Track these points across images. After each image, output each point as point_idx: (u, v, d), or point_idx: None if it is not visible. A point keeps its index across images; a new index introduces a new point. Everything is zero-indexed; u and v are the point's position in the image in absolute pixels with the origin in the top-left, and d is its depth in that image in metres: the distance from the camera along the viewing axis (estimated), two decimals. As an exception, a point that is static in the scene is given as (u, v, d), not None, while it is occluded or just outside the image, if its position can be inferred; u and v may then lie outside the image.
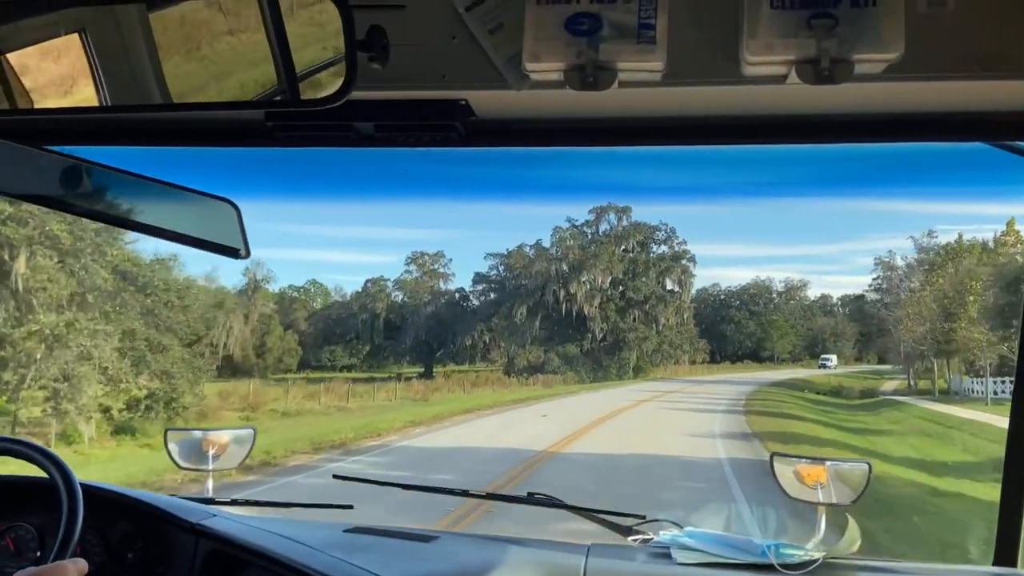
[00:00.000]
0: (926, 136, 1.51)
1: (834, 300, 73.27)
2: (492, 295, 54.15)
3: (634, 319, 51.51)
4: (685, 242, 53.95)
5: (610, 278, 51.60)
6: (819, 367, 61.10)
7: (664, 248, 54.33)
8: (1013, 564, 1.86)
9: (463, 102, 1.42)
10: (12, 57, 1.30)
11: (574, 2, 1.29)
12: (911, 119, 1.46)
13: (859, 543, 1.90)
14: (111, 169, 1.67)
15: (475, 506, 9.15)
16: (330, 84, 1.14)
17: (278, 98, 1.20)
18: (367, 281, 53.90)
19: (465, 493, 2.28)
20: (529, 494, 2.16)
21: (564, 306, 50.58)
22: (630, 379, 48.19)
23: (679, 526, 2.01)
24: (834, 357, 62.29)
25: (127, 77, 1.26)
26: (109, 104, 1.26)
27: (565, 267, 51.39)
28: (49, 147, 1.68)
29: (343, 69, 1.13)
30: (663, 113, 1.48)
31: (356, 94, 1.17)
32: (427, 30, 1.36)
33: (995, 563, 1.89)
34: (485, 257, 54.15)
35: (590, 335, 50.74)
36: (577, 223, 52.15)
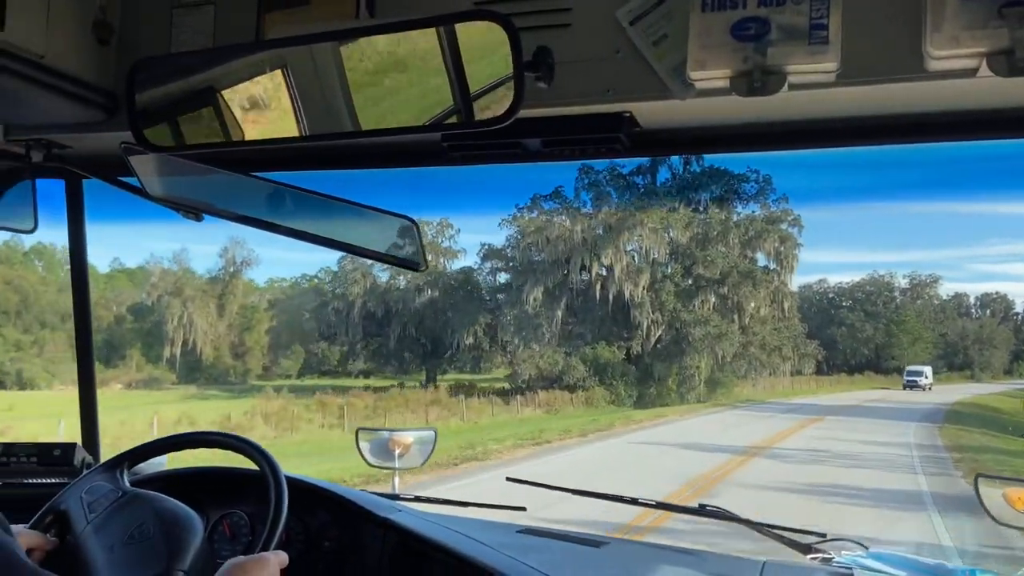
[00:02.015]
0: None
1: (972, 300, 62.58)
2: (502, 275, 39.10)
3: (705, 306, 34.28)
4: (786, 199, 35.04)
5: (667, 246, 34.38)
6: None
7: (755, 208, 35.84)
8: None
9: (627, 114, 1.44)
10: (225, 94, 1.47)
11: (740, 7, 1.28)
12: None
13: None
14: (306, 192, 1.84)
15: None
16: (500, 104, 1.21)
17: (452, 120, 1.28)
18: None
19: (635, 501, 2.27)
20: (701, 505, 2.12)
21: (596, 287, 34.61)
22: (700, 401, 32.72)
23: (864, 547, 1.90)
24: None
25: (322, 108, 1.39)
26: (308, 134, 1.39)
27: (600, 230, 34.74)
28: (255, 174, 1.88)
29: (511, 89, 1.18)
30: (836, 114, 1.43)
31: (523, 112, 1.23)
32: (592, 46, 1.40)
33: None
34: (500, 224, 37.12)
35: (636, 330, 34.04)
36: (624, 170, 34.69)
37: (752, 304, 35.22)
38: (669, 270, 34.99)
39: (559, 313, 35.04)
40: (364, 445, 2.49)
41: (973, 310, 62.37)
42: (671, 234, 34.91)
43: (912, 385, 45.42)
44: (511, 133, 1.44)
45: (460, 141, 1.54)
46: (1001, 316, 61.01)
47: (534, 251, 35.74)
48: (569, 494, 2.29)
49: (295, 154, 1.87)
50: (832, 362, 54.54)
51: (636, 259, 35.10)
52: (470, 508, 2.28)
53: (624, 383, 32.70)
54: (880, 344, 55.62)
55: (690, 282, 35.13)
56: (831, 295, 60.10)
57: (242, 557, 1.38)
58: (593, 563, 1.79)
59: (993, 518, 1.92)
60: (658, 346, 34.22)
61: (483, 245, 39.40)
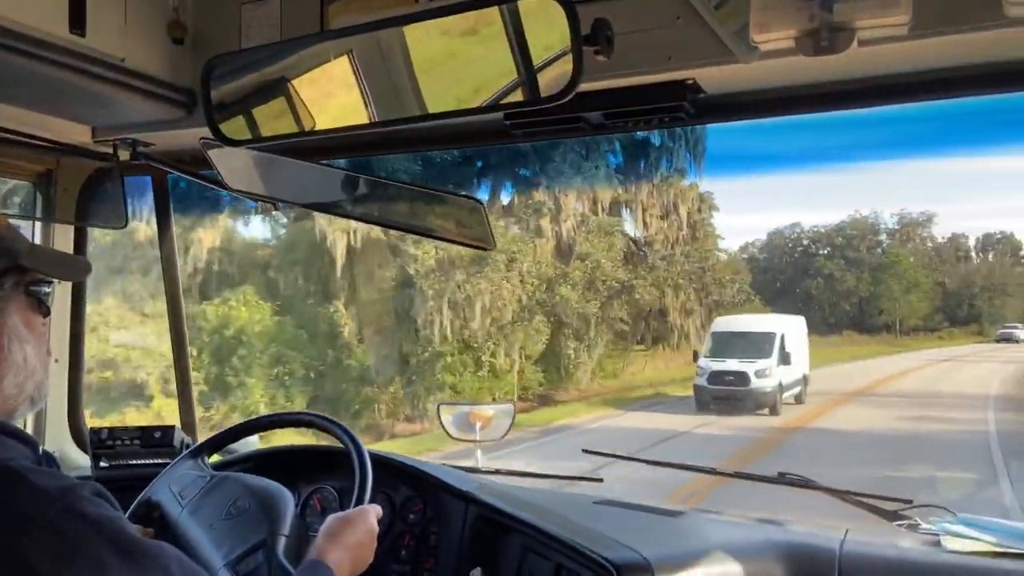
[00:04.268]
0: None
1: (971, 243, 50.26)
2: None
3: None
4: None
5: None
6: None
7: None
8: None
9: (690, 81, 1.43)
10: (295, 84, 1.51)
11: None
12: None
13: None
14: (374, 177, 1.89)
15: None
16: (560, 80, 1.21)
17: (514, 98, 1.30)
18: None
19: (713, 471, 2.27)
20: (780, 474, 2.10)
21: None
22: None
23: (952, 512, 1.86)
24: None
25: (389, 93, 1.42)
26: (376, 120, 1.43)
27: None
28: (322, 161, 1.94)
29: (571, 64, 1.19)
30: (909, 68, 1.39)
31: (584, 86, 1.23)
32: (651, 14, 1.39)
33: None
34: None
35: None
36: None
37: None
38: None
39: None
40: (446, 419, 2.55)
41: (974, 253, 51.70)
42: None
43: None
44: (573, 108, 1.44)
45: (523, 119, 1.55)
46: (1008, 258, 51.00)
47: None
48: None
49: (365, 140, 1.92)
50: (809, 321, 45.84)
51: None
52: (548, 479, 2.32)
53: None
54: (864, 297, 46.01)
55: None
56: (806, 241, 50.24)
57: (342, 512, 1.46)
58: (671, 533, 1.80)
59: None
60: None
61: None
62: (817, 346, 39.51)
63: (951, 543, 1.68)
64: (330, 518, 1.45)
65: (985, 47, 1.29)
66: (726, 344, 20.86)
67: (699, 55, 1.37)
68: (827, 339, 41.31)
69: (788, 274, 48.01)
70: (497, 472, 2.32)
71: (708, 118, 1.54)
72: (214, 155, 1.93)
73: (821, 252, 48.52)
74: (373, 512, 1.48)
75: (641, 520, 1.90)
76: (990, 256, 50.54)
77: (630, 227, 26.43)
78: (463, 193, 1.78)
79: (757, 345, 20.02)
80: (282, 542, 1.47)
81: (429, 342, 20.65)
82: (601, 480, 2.28)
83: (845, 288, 45.99)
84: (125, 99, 1.75)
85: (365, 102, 1.44)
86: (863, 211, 47.64)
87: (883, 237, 48.58)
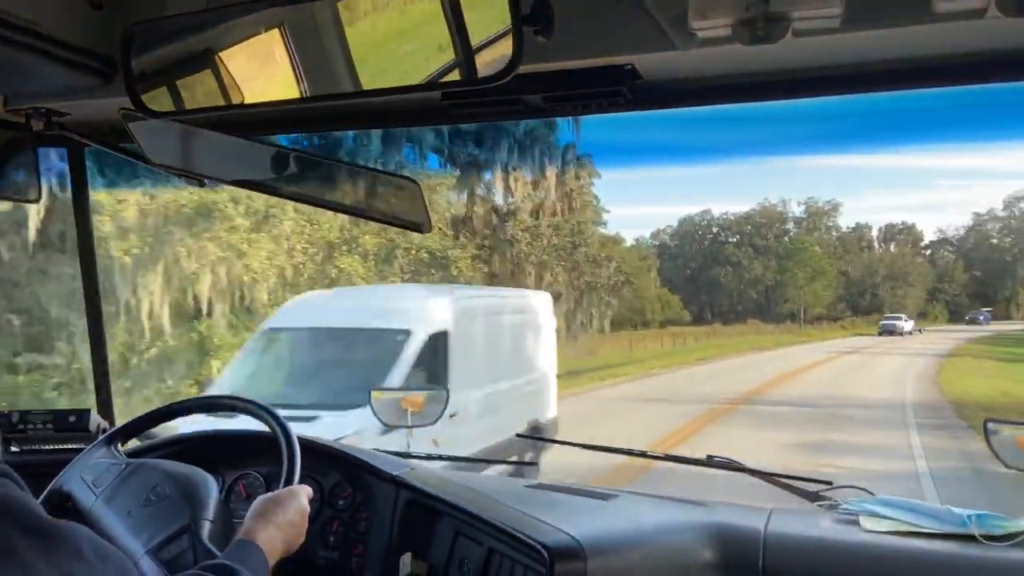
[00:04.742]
0: None
1: (875, 232, 51.94)
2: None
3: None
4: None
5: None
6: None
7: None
8: None
9: (629, 66, 1.42)
10: (223, 56, 1.45)
11: None
12: None
13: None
14: (307, 154, 1.84)
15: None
16: (499, 61, 1.19)
17: (452, 78, 1.27)
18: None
19: (644, 454, 2.31)
20: (708, 456, 2.15)
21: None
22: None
23: (871, 493, 1.93)
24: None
25: (321, 68, 1.38)
26: (308, 95, 1.38)
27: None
28: (255, 136, 1.87)
29: (510, 45, 1.17)
30: (842, 61, 1.41)
31: (525, 67, 1.21)
32: None
33: None
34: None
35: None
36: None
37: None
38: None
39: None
40: (377, 405, 2.52)
41: (876, 244, 54.12)
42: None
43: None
44: (512, 90, 1.42)
45: (461, 99, 1.53)
46: (909, 248, 53.27)
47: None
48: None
49: (295, 116, 1.86)
50: (716, 309, 45.90)
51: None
52: (481, 464, 2.32)
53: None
54: (771, 285, 46.25)
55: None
56: (716, 228, 50.76)
57: (271, 492, 1.43)
58: (603, 515, 1.82)
59: (1002, 460, 1.94)
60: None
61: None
62: (720, 336, 40.25)
63: (869, 523, 1.74)
64: (259, 499, 1.41)
65: (915, 42, 1.32)
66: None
67: (638, 40, 1.36)
68: (732, 328, 42.27)
69: (698, 262, 48.46)
70: (429, 457, 2.31)
71: (646, 104, 1.54)
72: (135, 127, 1.85)
73: (730, 240, 49.41)
74: (304, 492, 1.45)
75: (574, 503, 1.91)
76: (892, 247, 52.30)
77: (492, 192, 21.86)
78: (398, 172, 1.74)
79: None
80: (207, 526, 1.43)
81: (159, 332, 14.10)
82: (535, 464, 2.30)
83: (753, 276, 46.71)
84: (39, 66, 1.65)
85: (296, 76, 1.40)
86: (772, 199, 48.85)
87: (790, 226, 49.57)
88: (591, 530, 1.63)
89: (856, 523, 1.76)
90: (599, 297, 26.96)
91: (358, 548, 1.90)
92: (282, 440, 1.64)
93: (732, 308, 45.74)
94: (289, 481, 1.56)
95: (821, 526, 1.79)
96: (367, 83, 1.33)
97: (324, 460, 1.98)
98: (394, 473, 1.93)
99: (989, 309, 48.66)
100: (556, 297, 20.61)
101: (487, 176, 20.90)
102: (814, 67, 1.43)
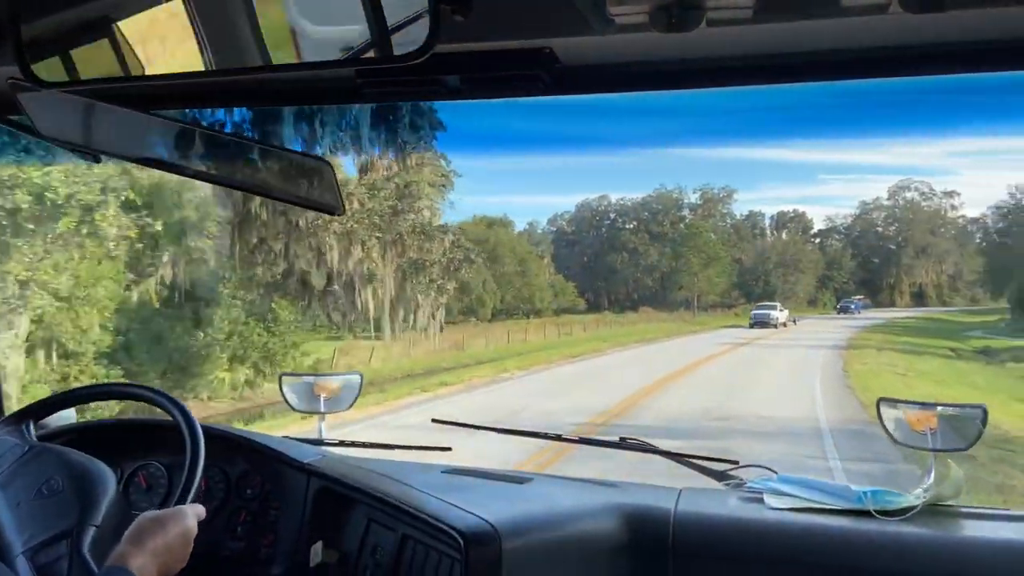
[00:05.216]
0: None
1: (767, 220, 53.32)
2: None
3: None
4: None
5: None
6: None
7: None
8: None
9: (547, 50, 1.41)
10: (122, 25, 1.37)
11: None
12: None
13: (963, 489, 1.85)
14: (212, 131, 1.76)
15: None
16: (416, 39, 1.17)
17: (367, 55, 1.23)
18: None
19: (559, 437, 2.33)
20: (621, 439, 2.19)
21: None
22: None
23: (774, 471, 2.00)
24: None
25: (227, 40, 1.32)
26: (213, 68, 1.32)
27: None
28: (155, 111, 1.78)
29: (427, 23, 1.14)
30: (755, 51, 1.44)
31: (442, 47, 1.19)
32: None
33: None
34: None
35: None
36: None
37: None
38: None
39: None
40: (288, 391, 2.45)
41: (769, 231, 54.46)
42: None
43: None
44: (429, 70, 1.40)
45: (375, 78, 1.49)
46: (800, 235, 53.60)
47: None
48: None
49: (199, 90, 1.78)
50: (613, 296, 45.42)
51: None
52: (396, 451, 2.29)
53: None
54: (666, 272, 45.76)
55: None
56: (613, 214, 50.49)
57: (156, 511, 1.36)
58: (518, 499, 1.82)
59: (893, 439, 2.05)
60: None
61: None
62: (612, 325, 38.43)
63: (773, 500, 1.81)
64: (140, 517, 1.34)
65: (823, 35, 1.36)
66: None
67: (556, 24, 1.36)
68: (625, 316, 41.64)
69: (595, 248, 47.79)
70: (341, 443, 2.27)
71: (564, 89, 1.53)
72: (24, 99, 1.72)
73: (627, 226, 49.08)
74: (192, 512, 1.37)
75: (489, 487, 1.91)
76: (783, 234, 53.12)
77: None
78: (309, 152, 1.69)
79: None
80: (90, 534, 1.35)
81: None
82: (449, 449, 2.29)
83: (649, 262, 46.43)
84: None
85: (201, 48, 1.33)
86: (668, 186, 49.25)
87: (686, 212, 49.71)
88: (505, 514, 1.64)
89: (760, 501, 1.82)
90: (428, 279, 20.99)
91: (267, 538, 1.85)
92: (184, 428, 1.58)
93: (628, 296, 45.27)
94: (192, 472, 1.50)
95: (728, 504, 1.85)
96: (276, 57, 1.28)
97: (231, 448, 1.92)
98: (305, 461, 1.89)
99: (861, 297, 48.91)
100: (369, 278, 18.36)
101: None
102: (728, 57, 1.46)
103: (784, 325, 37.97)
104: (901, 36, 1.36)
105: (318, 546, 1.78)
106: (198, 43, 1.33)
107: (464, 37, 1.37)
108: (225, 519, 1.85)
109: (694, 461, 2.06)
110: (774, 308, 39.88)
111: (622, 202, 50.04)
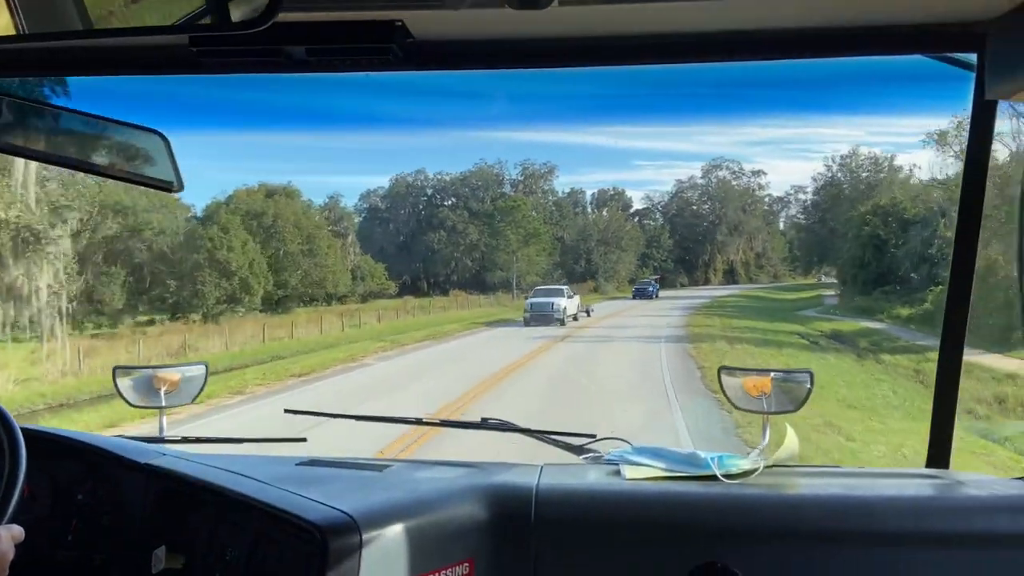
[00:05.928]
0: (866, 50, 1.52)
1: (588, 198, 51.09)
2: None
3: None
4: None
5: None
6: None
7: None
8: (945, 465, 1.97)
9: (399, 23, 1.37)
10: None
11: None
12: (851, 32, 1.47)
13: (798, 450, 1.99)
14: (31, 102, 1.59)
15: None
16: (256, 6, 1.09)
17: (203, 21, 1.15)
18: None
19: (419, 421, 2.30)
20: (483, 419, 2.19)
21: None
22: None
23: (629, 443, 2.07)
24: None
25: (44, 2, 1.19)
26: (26, 32, 1.18)
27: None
28: None
29: (270, -12, 1.07)
30: (606, 32, 1.46)
31: (287, 16, 1.12)
32: None
33: (928, 464, 1.99)
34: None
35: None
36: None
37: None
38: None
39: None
40: (123, 384, 2.27)
41: (590, 208, 52.24)
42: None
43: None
44: (272, 39, 1.32)
45: (213, 47, 1.39)
46: (620, 212, 52.18)
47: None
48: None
49: (12, 57, 1.60)
50: (432, 278, 42.21)
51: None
52: (245, 444, 2.19)
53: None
54: (486, 251, 41.99)
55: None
56: (430, 190, 46.29)
57: None
58: (377, 487, 1.79)
59: (733, 404, 2.18)
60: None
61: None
62: (415, 312, 32.98)
63: (629, 471, 1.87)
64: None
65: (663, 19, 1.40)
66: None
67: None
68: (434, 301, 37.84)
69: (412, 226, 44.40)
70: (185, 440, 2.14)
71: (417, 64, 1.50)
72: None
73: (446, 203, 45.41)
74: (7, 537, 1.23)
75: (347, 477, 1.86)
76: (604, 212, 51.57)
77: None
78: (144, 126, 1.56)
79: None
80: None
81: None
82: (304, 440, 2.21)
83: (469, 242, 42.53)
84: None
85: (12, 9, 1.19)
86: (489, 161, 45.89)
87: (508, 188, 46.60)
88: (365, 503, 1.60)
89: (618, 473, 1.88)
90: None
91: (103, 545, 1.72)
92: (1, 432, 1.43)
93: (448, 278, 42.23)
94: (11, 483, 1.35)
95: (587, 477, 1.90)
96: (99, 21, 1.16)
97: (58, 451, 1.76)
98: (142, 461, 1.77)
99: (657, 276, 45.98)
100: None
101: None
102: (581, 36, 1.47)
103: (574, 318, 27.84)
104: (742, 21, 1.42)
105: (161, 551, 1.66)
106: (8, 5, 1.19)
107: (312, 7, 1.31)
108: (55, 528, 1.71)
109: (554, 437, 2.10)
110: (560, 294, 28.75)
111: (440, 177, 46.55)
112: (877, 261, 28.71)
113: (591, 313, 30.26)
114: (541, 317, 26.87)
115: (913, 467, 2.39)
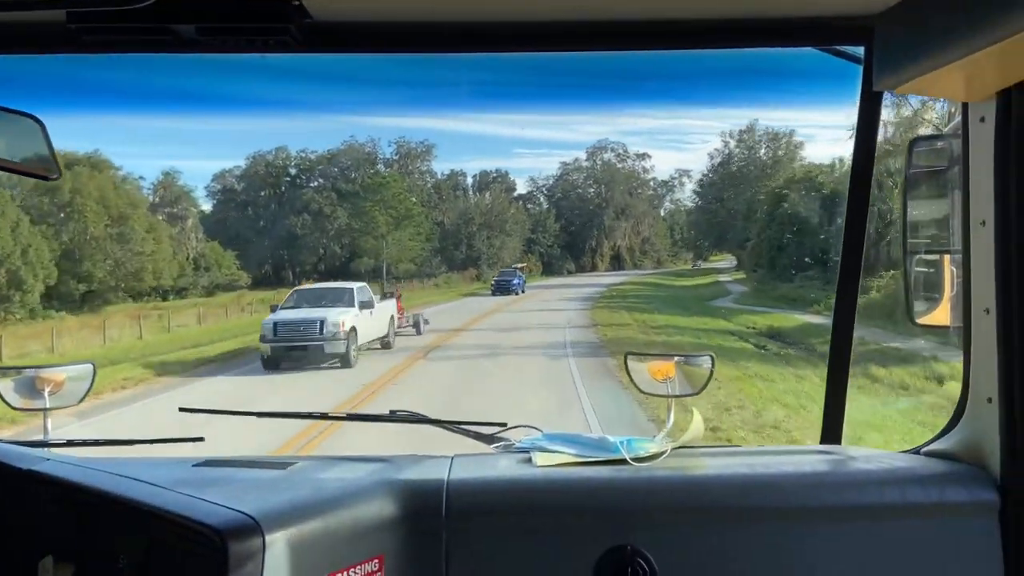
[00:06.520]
0: (755, 42, 1.56)
1: (470, 179, 47.99)
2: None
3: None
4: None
5: None
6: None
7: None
8: (838, 441, 2.06)
9: (297, 2, 1.31)
10: None
11: None
12: (741, 24, 1.50)
13: (702, 431, 2.04)
14: None
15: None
16: (140, -24, 1.02)
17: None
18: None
19: (324, 416, 2.24)
20: (392, 411, 2.15)
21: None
22: None
23: (539, 430, 2.07)
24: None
25: None
26: None
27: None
28: None
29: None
30: (497, 18, 1.44)
31: None
32: None
33: (822, 441, 2.08)
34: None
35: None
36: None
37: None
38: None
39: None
40: (4, 386, 2.11)
41: (472, 192, 48.98)
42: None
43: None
44: (159, 17, 1.24)
45: (92, 23, 1.29)
46: (503, 195, 49.08)
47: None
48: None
49: None
50: (299, 267, 38.27)
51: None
52: (137, 446, 2.08)
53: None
54: (356, 235, 38.48)
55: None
56: (294, 170, 41.98)
57: None
58: (281, 486, 1.72)
59: (639, 388, 2.22)
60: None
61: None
62: (230, 308, 28.29)
63: (540, 458, 1.87)
64: None
65: (556, 6, 1.39)
66: None
67: None
68: (280, 294, 28.70)
69: (272, 210, 40.60)
70: (70, 443, 2.01)
71: (317, 47, 1.44)
72: None
73: (311, 184, 41.29)
74: None
75: (248, 476, 1.79)
76: (487, 195, 48.71)
77: None
78: (16, 109, 1.44)
79: None
80: None
81: None
82: (202, 439, 2.11)
83: (338, 226, 38.50)
84: None
85: None
86: (360, 138, 42.06)
87: (381, 167, 42.42)
88: (267, 503, 1.54)
89: (529, 460, 1.88)
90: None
91: None
92: None
93: (316, 266, 37.61)
94: None
95: (498, 466, 1.89)
96: (-41, -9, 1.06)
97: None
98: (23, 467, 1.65)
99: (521, 266, 40.69)
100: None
101: None
102: (486, 21, 1.45)
103: (382, 342, 18.50)
104: (641, 11, 1.43)
105: (47, 561, 1.56)
106: None
107: None
108: None
109: (465, 427, 2.08)
110: (339, 298, 18.10)
111: (304, 155, 42.01)
112: (798, 243, 25.32)
113: (424, 327, 20.68)
114: (290, 351, 15.65)
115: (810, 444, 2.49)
